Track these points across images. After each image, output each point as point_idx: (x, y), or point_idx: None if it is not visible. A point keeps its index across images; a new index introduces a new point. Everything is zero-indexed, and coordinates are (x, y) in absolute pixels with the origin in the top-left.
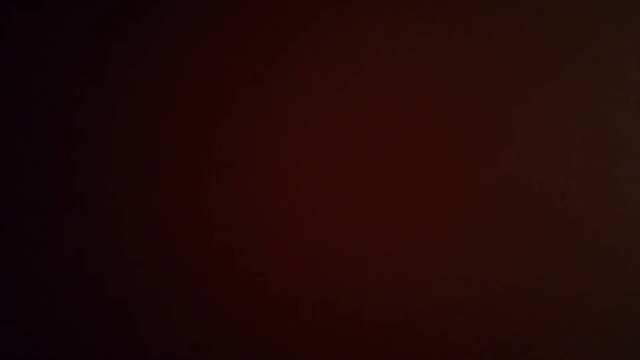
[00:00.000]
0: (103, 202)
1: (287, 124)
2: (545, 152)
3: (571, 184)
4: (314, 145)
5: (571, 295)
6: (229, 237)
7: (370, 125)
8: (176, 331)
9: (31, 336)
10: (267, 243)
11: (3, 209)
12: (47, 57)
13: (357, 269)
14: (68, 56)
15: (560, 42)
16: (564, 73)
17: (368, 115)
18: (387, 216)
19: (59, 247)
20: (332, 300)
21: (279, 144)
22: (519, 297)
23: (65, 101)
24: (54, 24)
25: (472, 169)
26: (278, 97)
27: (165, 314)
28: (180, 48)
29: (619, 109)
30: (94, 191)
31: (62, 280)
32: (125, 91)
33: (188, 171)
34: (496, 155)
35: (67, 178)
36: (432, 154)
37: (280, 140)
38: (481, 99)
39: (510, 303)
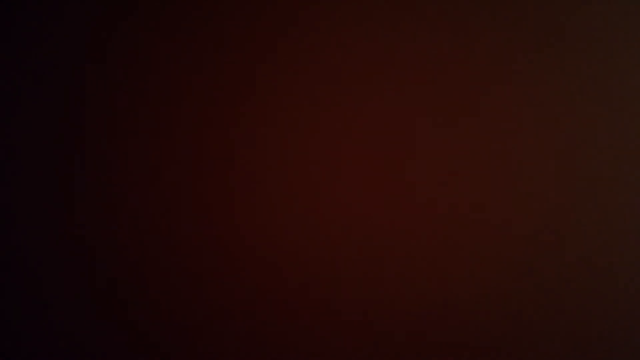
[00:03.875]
0: (101, 202)
1: (285, 124)
2: (545, 151)
3: (571, 184)
4: (312, 145)
5: (572, 297)
6: (227, 237)
7: (369, 125)
8: (172, 331)
9: (31, 336)
10: (266, 243)
11: (4, 210)
12: (46, 56)
13: (356, 270)
14: (67, 55)
15: (559, 41)
16: (564, 72)
17: (367, 115)
18: (386, 217)
19: (57, 246)
20: (332, 300)
21: (277, 144)
22: (518, 299)
23: (64, 101)
24: (53, 23)
25: (471, 170)
26: (277, 97)
27: (162, 314)
28: (178, 47)
29: (619, 109)
30: (92, 191)
31: (61, 280)
32: (124, 91)
33: (186, 171)
34: (494, 156)
35: (66, 178)
36: (430, 154)
37: (278, 140)
38: (479, 99)
39: (509, 305)
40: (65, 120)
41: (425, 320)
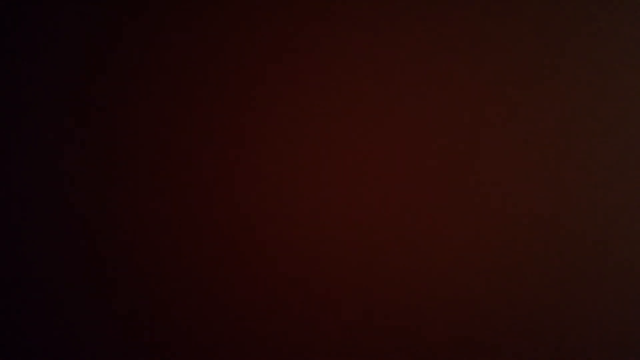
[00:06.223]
0: (104, 203)
1: (286, 124)
2: (542, 152)
3: (567, 183)
4: (314, 145)
5: (567, 298)
6: (228, 237)
7: (371, 126)
8: (175, 332)
9: (30, 337)
10: (267, 244)
11: (5, 211)
12: (47, 56)
13: (357, 270)
14: (68, 55)
15: (556, 40)
16: (560, 72)
17: (368, 115)
18: (386, 217)
19: (59, 246)
20: (333, 298)
21: (279, 145)
22: (515, 299)
23: (64, 101)
24: (54, 23)
25: (470, 170)
26: (277, 97)
27: (164, 314)
28: (181, 48)
29: (616, 108)
30: (95, 192)
31: (61, 280)
32: (125, 90)
33: (188, 171)
34: (492, 157)
35: (68, 178)
36: (428, 156)
37: (280, 141)
38: (478, 100)
39: (506, 305)
40: (70, 120)
41: (430, 318)
